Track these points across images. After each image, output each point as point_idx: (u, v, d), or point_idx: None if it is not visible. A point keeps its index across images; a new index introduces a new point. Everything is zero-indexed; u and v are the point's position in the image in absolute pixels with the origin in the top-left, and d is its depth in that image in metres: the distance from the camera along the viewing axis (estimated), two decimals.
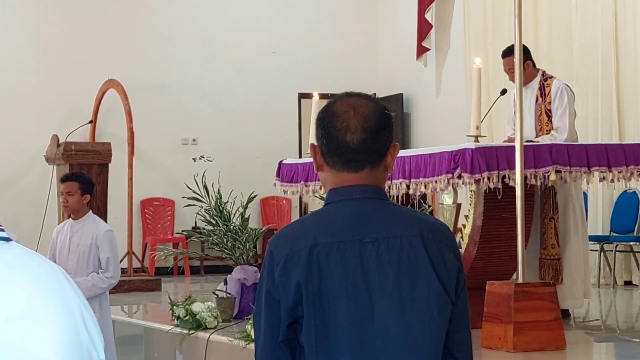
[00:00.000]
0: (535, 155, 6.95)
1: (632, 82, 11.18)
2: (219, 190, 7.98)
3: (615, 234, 11.12)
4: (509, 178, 6.73)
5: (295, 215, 14.60)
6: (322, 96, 8.34)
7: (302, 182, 8.36)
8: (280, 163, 8.83)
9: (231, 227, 7.89)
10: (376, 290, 2.41)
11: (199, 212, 8.22)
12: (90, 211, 7.09)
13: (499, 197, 6.89)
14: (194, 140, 14.65)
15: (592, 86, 11.46)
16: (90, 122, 13.46)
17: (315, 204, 10.00)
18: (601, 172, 7.25)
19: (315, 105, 8.23)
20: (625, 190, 10.97)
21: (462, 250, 7.18)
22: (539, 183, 7.03)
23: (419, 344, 2.42)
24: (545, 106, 8.20)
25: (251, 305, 7.21)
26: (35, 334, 1.37)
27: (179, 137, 14.57)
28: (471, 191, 7.35)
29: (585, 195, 9.28)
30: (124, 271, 10.27)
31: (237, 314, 7.58)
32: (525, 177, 6.63)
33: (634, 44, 11.17)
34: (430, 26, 14.01)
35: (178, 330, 7.31)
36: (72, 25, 14.08)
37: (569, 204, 8.00)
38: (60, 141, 11.60)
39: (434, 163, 6.99)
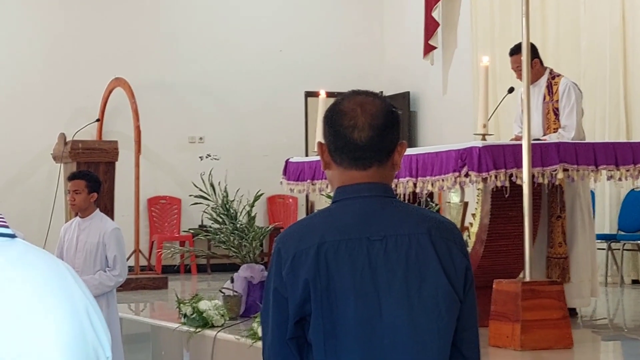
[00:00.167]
0: (542, 153, 6.94)
1: None
2: (225, 188, 7.98)
3: (622, 233, 11.10)
4: (516, 176, 6.72)
5: (301, 214, 14.60)
6: (329, 94, 8.34)
7: (308, 181, 8.36)
8: (286, 161, 8.82)
9: (238, 225, 7.89)
10: (384, 289, 2.40)
11: (206, 211, 8.22)
12: (98, 209, 7.10)
13: (506, 196, 6.88)
14: (200, 138, 14.66)
15: (600, 84, 11.44)
16: (97, 120, 13.47)
17: (322, 203, 10.00)
18: (609, 170, 7.23)
19: (321, 104, 8.22)
20: (633, 189, 10.95)
21: (469, 249, 7.17)
22: (546, 181, 7.02)
23: (427, 342, 2.42)
24: (552, 104, 8.18)
25: (258, 303, 7.21)
26: (39, 331, 1.36)
27: (185, 136, 14.58)
28: (478, 189, 7.34)
29: (592, 193, 9.26)
30: (130, 269, 10.28)
31: (243, 312, 7.58)
32: (533, 176, 6.62)
33: None
34: (437, 24, 14.00)
35: (185, 328, 7.31)
36: (79, 24, 14.09)
37: (577, 202, 7.98)
38: (68, 139, 11.61)
39: (441, 161, 6.98)
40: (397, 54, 15.07)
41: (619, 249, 10.94)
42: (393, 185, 2.61)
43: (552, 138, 7.87)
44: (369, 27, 15.39)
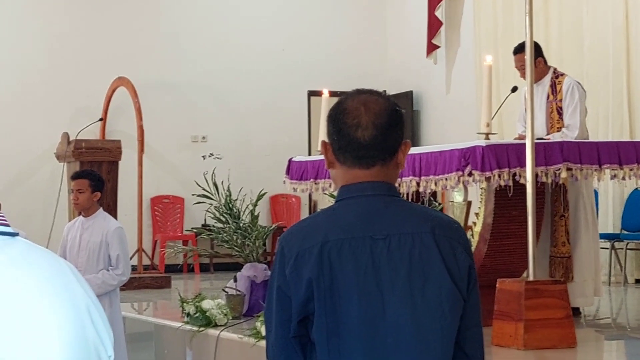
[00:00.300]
0: (546, 152, 6.93)
1: None
2: (228, 187, 7.98)
3: (626, 232, 11.09)
4: (520, 175, 6.71)
5: (304, 213, 14.60)
6: (332, 94, 8.33)
7: (311, 180, 8.35)
8: (290, 161, 8.82)
9: (241, 224, 7.88)
10: (387, 287, 2.40)
11: (209, 210, 8.22)
12: (101, 208, 7.10)
13: (510, 195, 6.88)
14: (203, 137, 14.66)
15: (603, 83, 11.43)
16: (101, 119, 13.48)
17: (325, 202, 9.99)
18: (612, 169, 7.22)
19: (324, 103, 8.22)
20: (637, 188, 10.94)
21: (472, 248, 7.16)
22: (549, 181, 7.01)
23: (430, 341, 2.41)
24: (556, 103, 8.17)
25: (261, 302, 7.21)
26: (40, 329, 1.36)
27: (188, 135, 14.58)
28: (482, 189, 7.33)
29: (596, 192, 9.26)
30: (134, 268, 10.28)
31: (246, 311, 7.58)
32: (536, 175, 6.61)
33: None
34: (440, 23, 13.99)
35: (188, 327, 7.31)
36: (82, 24, 14.09)
37: (580, 201, 7.97)
38: (71, 139, 11.61)
39: (444, 160, 6.97)
40: (400, 53, 15.06)
41: (622, 249, 10.93)
42: (396, 185, 2.60)
43: (555, 137, 7.86)
44: (372, 26, 15.39)
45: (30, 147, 13.54)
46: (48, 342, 1.37)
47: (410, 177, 7.21)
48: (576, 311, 7.60)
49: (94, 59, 14.01)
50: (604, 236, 10.39)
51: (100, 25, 14.16)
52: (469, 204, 7.79)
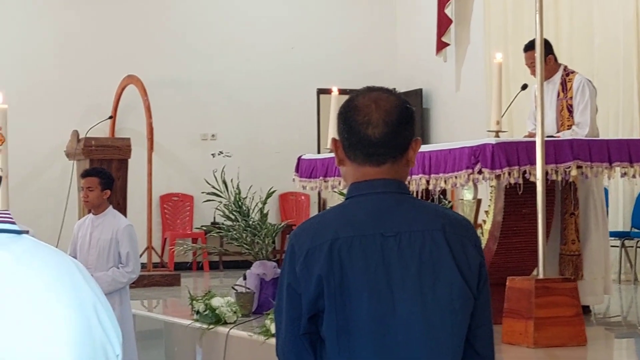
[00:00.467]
0: (556, 150, 6.92)
1: None
2: (238, 185, 7.98)
3: (636, 230, 11.06)
4: (530, 173, 6.70)
5: (313, 211, 14.60)
6: (341, 92, 8.32)
7: (321, 178, 8.35)
8: (299, 158, 8.81)
9: (250, 222, 7.89)
10: (398, 285, 2.40)
11: (218, 208, 8.22)
12: (111, 206, 7.11)
13: (520, 193, 6.86)
14: (212, 135, 14.67)
15: (613, 81, 11.40)
16: (110, 117, 13.49)
17: (334, 200, 9.98)
18: (622, 167, 7.21)
19: (334, 101, 8.21)
20: None
21: (482, 246, 7.14)
22: (559, 178, 7.00)
23: (441, 338, 2.41)
24: (566, 101, 8.16)
25: (270, 300, 7.21)
26: (45, 327, 1.35)
27: (198, 133, 14.59)
28: (491, 187, 7.32)
29: (606, 190, 9.23)
30: (143, 266, 10.29)
31: (256, 308, 7.58)
32: (546, 173, 6.60)
33: None
34: (450, 21, 13.97)
35: (198, 325, 7.32)
36: (92, 22, 14.11)
37: (590, 199, 7.95)
38: (81, 137, 11.63)
39: (454, 158, 6.96)
40: (409, 51, 15.04)
41: (632, 246, 10.91)
42: (406, 182, 2.60)
43: (565, 135, 7.85)
44: (382, 24, 15.37)
45: (40, 145, 13.56)
46: (54, 341, 1.36)
47: (420, 175, 7.20)
48: (586, 309, 7.58)
49: (104, 57, 14.02)
50: (614, 234, 10.36)
51: (110, 24, 14.18)
52: (479, 201, 7.78)
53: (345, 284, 2.38)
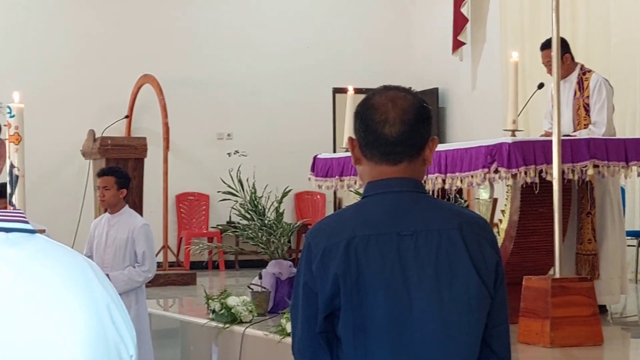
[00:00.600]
0: (572, 149, 6.90)
1: None
2: (253, 184, 7.98)
3: None
4: (546, 172, 6.68)
5: (329, 210, 14.59)
6: (357, 91, 8.31)
7: (336, 177, 8.34)
8: (315, 158, 8.81)
9: (266, 221, 7.89)
10: (414, 284, 2.40)
11: (234, 207, 8.23)
12: (127, 205, 7.13)
13: (536, 192, 6.84)
14: (228, 135, 14.68)
15: (630, 80, 11.36)
16: (126, 117, 13.52)
17: (350, 199, 9.97)
18: (639, 166, 7.18)
19: (350, 100, 8.20)
20: None
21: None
22: (576, 178, 6.98)
23: (457, 337, 2.41)
24: (583, 100, 8.13)
25: (286, 299, 7.21)
26: (57, 328, 1.34)
27: (213, 132, 14.61)
28: (508, 186, 7.30)
29: (622, 190, 9.20)
30: (159, 265, 10.32)
31: (272, 308, 7.58)
32: (563, 172, 6.58)
33: None
34: (466, 20, 13.94)
35: (214, 324, 7.32)
36: (109, 22, 14.15)
37: (607, 198, 7.93)
38: (97, 136, 11.66)
39: (470, 157, 6.95)
40: (425, 50, 15.02)
41: None
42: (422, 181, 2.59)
43: (582, 134, 7.82)
44: (398, 23, 15.36)
45: (56, 145, 13.60)
46: (66, 340, 1.35)
47: (436, 174, 7.19)
48: (603, 309, 7.56)
49: (120, 57, 14.06)
50: (631, 233, 10.32)
51: (127, 23, 14.21)
52: (495, 201, 7.76)
53: (361, 283, 2.38)
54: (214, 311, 7.37)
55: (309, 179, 8.81)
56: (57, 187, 13.59)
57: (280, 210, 8.01)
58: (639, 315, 8.65)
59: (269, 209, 7.97)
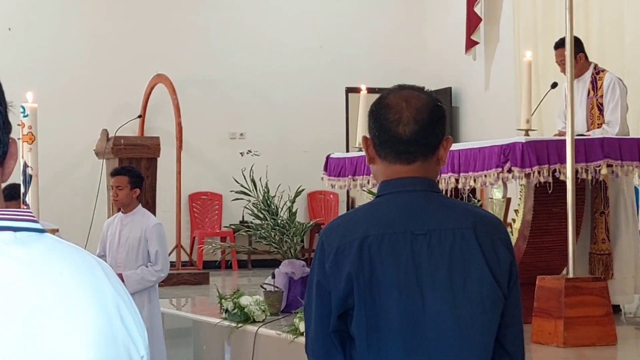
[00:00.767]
0: (586, 149, 6.88)
1: None
2: (266, 184, 7.98)
3: None
4: (560, 172, 6.66)
5: (342, 210, 14.59)
6: (370, 90, 8.31)
7: (349, 177, 8.33)
8: (327, 157, 8.80)
9: (279, 221, 7.89)
10: (427, 283, 2.39)
11: (247, 206, 8.23)
12: (140, 205, 7.14)
13: (550, 192, 6.82)
14: (241, 134, 14.69)
15: None
16: (139, 116, 13.54)
17: (363, 198, 9.97)
18: None
19: (363, 99, 8.19)
20: None
21: None
22: (590, 177, 6.96)
23: (471, 337, 2.40)
24: (597, 100, 8.11)
25: (299, 299, 7.21)
26: (65, 328, 1.33)
27: (226, 132, 14.62)
28: (521, 185, 7.28)
29: (636, 189, 9.16)
30: (172, 264, 10.32)
31: (284, 307, 7.58)
32: (576, 171, 6.56)
33: None
34: (480, 19, 13.92)
35: (226, 323, 7.33)
36: (122, 21, 14.18)
37: (620, 198, 7.90)
38: (110, 135, 11.68)
39: (483, 157, 6.93)
40: (438, 50, 15.01)
41: None
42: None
43: (595, 133, 7.80)
44: (411, 23, 15.34)
45: (70, 144, 13.64)
46: (74, 341, 1.34)
47: (449, 174, 7.18)
48: (616, 309, 7.53)
49: (133, 57, 14.08)
50: None
51: (140, 23, 14.24)
52: (509, 200, 7.74)
53: (374, 282, 2.38)
54: (226, 310, 7.38)
55: (322, 178, 8.81)
56: (70, 187, 13.63)
57: (293, 210, 8.01)
58: None
59: (281, 208, 7.97)
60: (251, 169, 7.99)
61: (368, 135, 2.51)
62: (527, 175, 6.73)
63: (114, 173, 7.17)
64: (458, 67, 14.44)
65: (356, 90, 10.03)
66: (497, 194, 7.70)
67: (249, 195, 7.95)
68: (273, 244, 7.88)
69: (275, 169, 12.39)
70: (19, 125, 4.42)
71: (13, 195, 5.38)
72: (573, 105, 6.51)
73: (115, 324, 1.38)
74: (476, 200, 7.70)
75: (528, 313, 6.04)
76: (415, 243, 2.40)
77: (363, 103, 8.16)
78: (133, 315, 1.42)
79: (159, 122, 13.83)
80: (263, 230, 7.93)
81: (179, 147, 12.73)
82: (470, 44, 14.06)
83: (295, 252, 7.84)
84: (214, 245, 9.44)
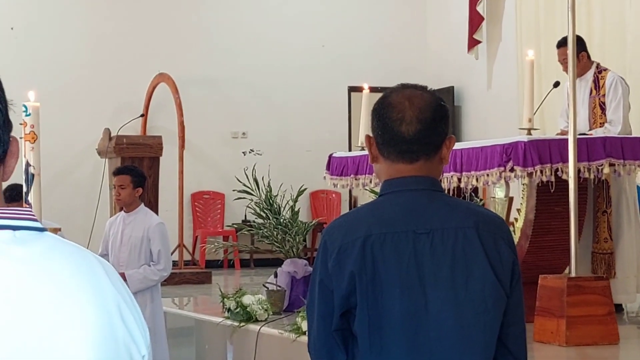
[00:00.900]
0: (588, 148, 6.88)
1: None
2: (269, 183, 7.99)
3: None
4: (562, 171, 6.66)
5: (344, 209, 14.58)
6: (372, 89, 8.32)
7: (352, 176, 8.33)
8: (330, 156, 8.81)
9: (281, 220, 7.89)
10: (430, 282, 2.39)
11: (249, 205, 8.23)
12: (142, 204, 7.14)
13: (552, 191, 6.82)
14: (243, 133, 14.69)
15: None
16: (142, 115, 13.54)
17: (365, 198, 9.97)
18: None
19: (365, 99, 8.19)
20: None
21: None
22: (592, 176, 6.96)
23: (473, 336, 2.40)
24: (599, 99, 8.11)
25: (301, 298, 7.22)
26: (65, 326, 1.33)
27: (229, 131, 14.62)
28: (523, 184, 7.28)
29: (638, 188, 9.16)
30: (174, 264, 10.34)
31: (287, 306, 7.58)
32: (579, 170, 6.56)
33: None
34: (482, 18, 13.91)
35: (229, 322, 7.33)
36: (124, 20, 14.18)
37: (622, 197, 7.90)
38: (112, 135, 11.68)
39: (485, 156, 6.94)
40: (441, 49, 15.00)
41: None
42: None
43: (598, 132, 7.80)
44: (413, 22, 15.34)
45: (72, 143, 13.64)
46: (74, 340, 1.34)
47: (452, 173, 7.18)
48: (618, 308, 7.53)
49: (135, 56, 14.08)
50: None
51: (142, 22, 14.24)
52: (511, 199, 7.74)
53: (377, 281, 2.38)
54: (229, 310, 7.38)
55: (324, 177, 8.81)
56: (72, 186, 13.63)
57: (296, 209, 8.01)
58: None
59: (284, 207, 7.97)
60: (253, 168, 8.00)
61: (371, 134, 2.51)
62: (530, 175, 6.73)
63: (117, 172, 7.17)
64: (460, 66, 14.44)
65: (359, 89, 10.04)
66: (499, 193, 7.70)
67: (252, 195, 7.96)
68: (275, 243, 7.89)
69: (278, 168, 12.40)
70: (21, 124, 4.42)
71: (14, 197, 5.37)
72: (575, 104, 6.51)
73: (115, 323, 1.38)
74: (478, 200, 7.71)
75: (530, 312, 6.04)
76: (418, 242, 2.41)
77: (365, 102, 8.16)
78: (134, 314, 1.42)
79: (161, 122, 13.83)
80: (265, 230, 7.94)
81: (182, 147, 12.74)
82: (473, 43, 14.05)
83: (297, 251, 7.85)
84: (216, 244, 9.43)
